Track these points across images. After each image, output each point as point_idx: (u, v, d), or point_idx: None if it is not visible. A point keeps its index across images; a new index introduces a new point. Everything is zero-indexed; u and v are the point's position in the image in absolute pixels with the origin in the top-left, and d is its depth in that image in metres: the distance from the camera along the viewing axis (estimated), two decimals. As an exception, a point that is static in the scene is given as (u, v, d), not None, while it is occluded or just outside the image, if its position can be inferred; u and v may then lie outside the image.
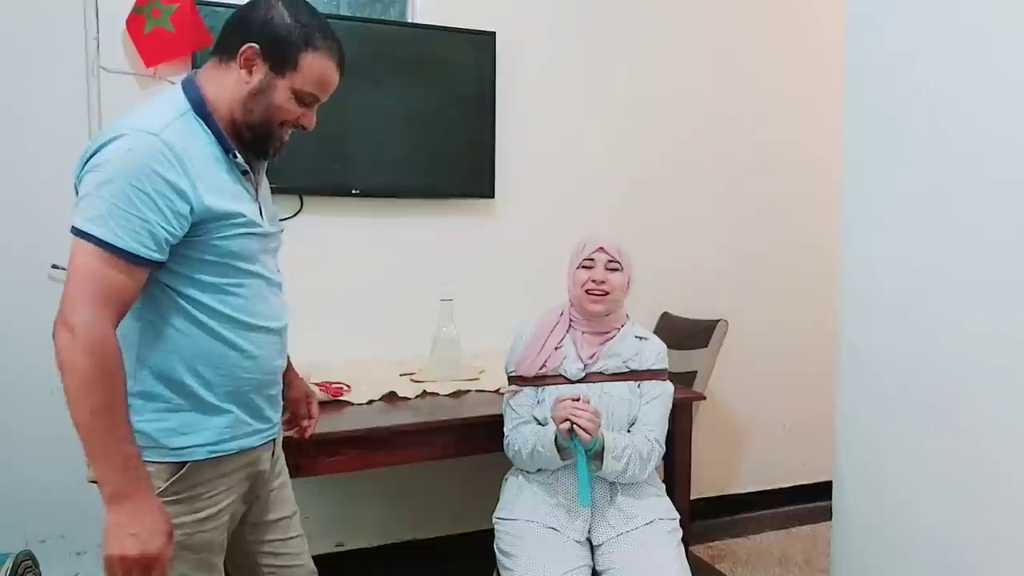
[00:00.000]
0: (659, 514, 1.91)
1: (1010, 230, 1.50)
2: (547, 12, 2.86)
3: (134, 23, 2.30)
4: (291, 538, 1.56)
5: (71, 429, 2.54)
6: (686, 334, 2.79)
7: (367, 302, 2.68)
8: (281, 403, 1.50)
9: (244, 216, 1.31)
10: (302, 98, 1.35)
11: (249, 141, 1.35)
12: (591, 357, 1.96)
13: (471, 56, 2.69)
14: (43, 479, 2.36)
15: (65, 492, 2.39)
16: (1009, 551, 1.52)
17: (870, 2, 1.80)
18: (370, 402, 2.18)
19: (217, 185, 1.28)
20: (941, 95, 1.63)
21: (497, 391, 2.24)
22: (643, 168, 3.04)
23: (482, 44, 2.69)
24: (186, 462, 1.29)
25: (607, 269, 1.94)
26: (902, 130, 1.72)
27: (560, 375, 1.95)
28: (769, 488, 3.37)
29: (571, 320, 2.01)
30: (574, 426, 1.71)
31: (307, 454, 1.68)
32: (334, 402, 2.15)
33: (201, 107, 1.31)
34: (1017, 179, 1.48)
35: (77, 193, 1.23)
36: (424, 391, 2.28)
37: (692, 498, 2.46)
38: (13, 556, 1.73)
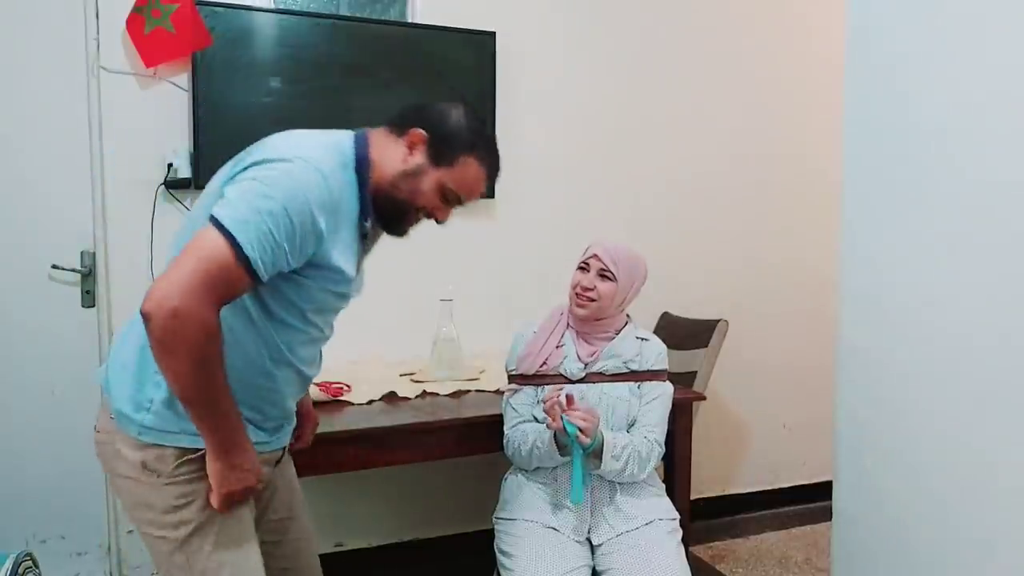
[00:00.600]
0: (659, 514, 1.91)
1: (1009, 231, 1.50)
2: (547, 12, 2.86)
3: (134, 23, 2.30)
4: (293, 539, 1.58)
5: (71, 429, 2.56)
6: (686, 334, 2.79)
7: (367, 302, 2.65)
8: (290, 428, 1.53)
9: (344, 276, 1.36)
10: (446, 194, 1.42)
11: (384, 214, 1.42)
12: (591, 356, 1.96)
13: (471, 56, 2.69)
14: (43, 480, 2.37)
15: (65, 492, 2.40)
16: (1008, 551, 1.52)
17: (870, 5, 1.80)
18: (370, 402, 2.18)
19: (343, 242, 1.33)
20: (940, 97, 1.63)
21: (497, 391, 2.24)
22: (643, 168, 3.04)
23: (482, 44, 2.69)
24: (199, 448, 1.31)
25: (599, 276, 1.94)
26: (901, 132, 1.73)
27: (560, 374, 1.95)
28: (769, 488, 3.37)
29: (569, 320, 2.01)
30: (577, 430, 1.71)
31: (307, 454, 1.68)
32: (334, 402, 2.15)
33: (362, 166, 1.36)
34: (1016, 180, 1.48)
35: (222, 185, 1.27)
36: (424, 391, 2.28)
37: (692, 498, 2.45)
38: (13, 556, 1.73)
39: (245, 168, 1.27)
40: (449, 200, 1.43)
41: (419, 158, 1.39)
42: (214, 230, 1.19)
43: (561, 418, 1.73)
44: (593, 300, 1.93)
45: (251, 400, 1.36)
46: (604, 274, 1.93)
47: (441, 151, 1.39)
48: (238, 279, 1.21)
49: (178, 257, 1.20)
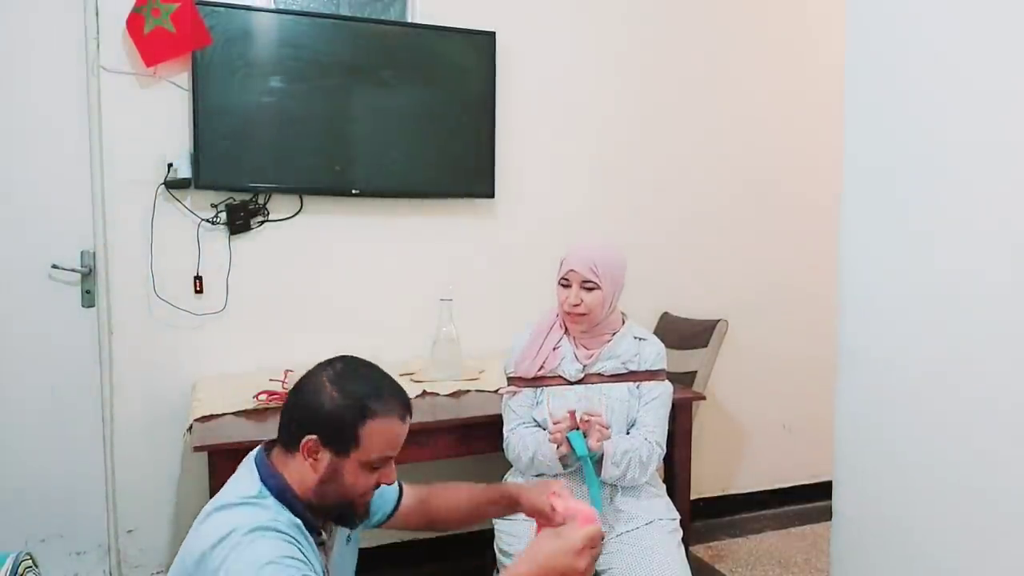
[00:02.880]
0: (659, 514, 1.91)
1: (1008, 232, 1.50)
2: (547, 12, 2.86)
3: (134, 23, 2.30)
4: None
5: (71, 429, 2.56)
6: (686, 334, 2.79)
7: (367, 302, 2.68)
8: None
9: None
10: (373, 465, 1.30)
11: (331, 517, 1.34)
12: (589, 358, 1.96)
13: (471, 56, 2.69)
14: (43, 479, 2.37)
15: (65, 492, 2.40)
16: (1007, 551, 1.52)
17: (870, 5, 1.80)
18: (370, 402, 2.18)
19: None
20: (940, 99, 1.63)
21: (496, 391, 2.24)
22: (643, 168, 3.04)
23: (482, 44, 2.69)
24: None
25: (582, 288, 1.89)
26: (901, 133, 1.72)
27: (559, 376, 1.95)
28: (769, 488, 3.36)
29: (564, 324, 2.00)
30: (589, 431, 1.73)
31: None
32: (334, 402, 2.15)
33: (280, 493, 1.28)
34: (1015, 181, 1.48)
35: None
36: (424, 391, 2.28)
37: (692, 498, 2.46)
38: (13, 556, 1.72)
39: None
40: (379, 467, 1.31)
41: (324, 461, 1.27)
42: None
43: (568, 438, 1.73)
44: (584, 314, 1.91)
45: None
46: (587, 285, 1.89)
47: (339, 440, 1.27)
48: None
49: None
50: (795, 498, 3.36)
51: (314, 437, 1.27)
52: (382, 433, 1.29)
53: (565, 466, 1.84)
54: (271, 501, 1.27)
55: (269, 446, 1.36)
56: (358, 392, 1.29)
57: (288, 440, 1.30)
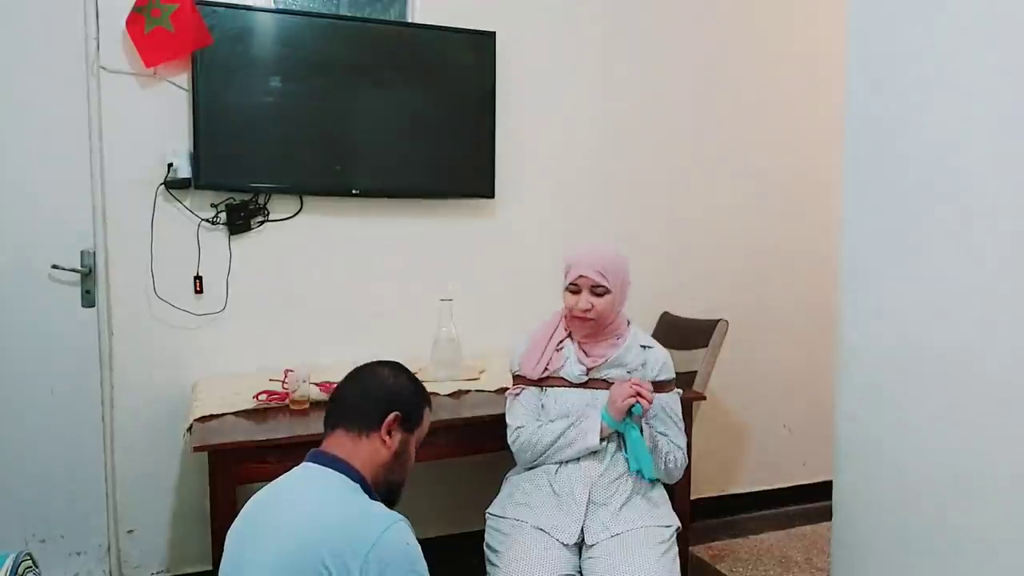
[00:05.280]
0: (655, 521, 1.88)
1: (1007, 232, 1.50)
2: (547, 12, 2.86)
3: (134, 23, 2.30)
4: None
5: (71, 429, 2.56)
6: (686, 334, 2.79)
7: (367, 302, 2.68)
8: None
9: None
10: (419, 446, 1.54)
11: (383, 498, 1.43)
12: (595, 363, 1.94)
13: (471, 56, 2.69)
14: (43, 479, 2.37)
15: (65, 492, 2.40)
16: (1008, 550, 1.52)
17: (871, 7, 1.80)
18: (370, 402, 2.18)
19: None
20: (939, 100, 1.63)
21: (499, 390, 2.24)
22: (643, 168, 3.04)
23: (482, 44, 2.69)
24: None
25: (593, 293, 1.89)
26: (901, 134, 1.73)
27: (562, 378, 1.94)
28: (769, 488, 3.36)
29: (568, 328, 2.00)
30: (639, 397, 1.78)
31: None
32: (334, 402, 2.15)
33: (366, 487, 1.40)
34: (1014, 181, 1.48)
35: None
36: (424, 391, 2.28)
37: (692, 498, 2.45)
38: (13, 556, 1.72)
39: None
40: (418, 448, 1.54)
41: (398, 435, 1.45)
42: None
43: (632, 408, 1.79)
44: (593, 319, 1.90)
45: None
46: (597, 291, 1.89)
47: (410, 420, 1.48)
48: None
49: None
50: (795, 498, 3.36)
51: (397, 413, 1.44)
52: (428, 418, 1.55)
53: (603, 439, 1.86)
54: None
55: (318, 453, 1.42)
56: (419, 382, 1.54)
57: (365, 420, 1.43)
